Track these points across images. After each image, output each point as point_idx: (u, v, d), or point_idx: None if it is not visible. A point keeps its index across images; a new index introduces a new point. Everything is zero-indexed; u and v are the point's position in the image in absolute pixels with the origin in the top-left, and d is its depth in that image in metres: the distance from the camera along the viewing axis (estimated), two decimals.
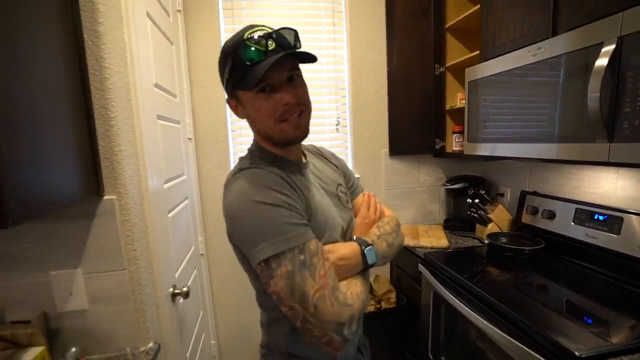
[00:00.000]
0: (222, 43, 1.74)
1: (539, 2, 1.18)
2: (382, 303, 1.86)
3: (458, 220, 1.96)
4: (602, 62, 0.90)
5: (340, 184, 0.85)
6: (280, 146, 0.73)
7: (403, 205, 2.09)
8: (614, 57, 0.89)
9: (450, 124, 1.91)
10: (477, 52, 1.54)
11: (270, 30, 0.64)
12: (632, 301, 1.07)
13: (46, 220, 0.85)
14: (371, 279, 2.02)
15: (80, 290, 0.88)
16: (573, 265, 1.34)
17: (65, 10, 0.78)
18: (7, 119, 0.56)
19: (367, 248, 0.72)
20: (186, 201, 1.53)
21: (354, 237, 0.78)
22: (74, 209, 0.84)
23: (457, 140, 1.84)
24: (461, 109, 1.64)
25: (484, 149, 1.44)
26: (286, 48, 0.65)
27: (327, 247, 0.68)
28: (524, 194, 1.65)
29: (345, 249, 0.70)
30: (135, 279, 0.92)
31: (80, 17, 0.82)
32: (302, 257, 0.60)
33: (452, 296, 1.29)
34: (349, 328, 0.61)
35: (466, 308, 1.20)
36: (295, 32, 0.67)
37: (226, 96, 0.75)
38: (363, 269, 0.72)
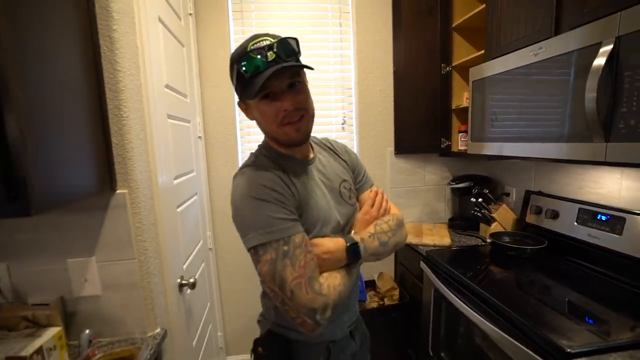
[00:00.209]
0: (232, 45, 1.83)
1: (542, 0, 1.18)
2: (385, 300, 1.88)
3: (463, 219, 1.96)
4: (599, 61, 0.91)
5: (344, 180, 0.90)
6: (287, 146, 0.80)
7: (408, 204, 2.10)
8: (612, 57, 0.89)
9: (456, 123, 1.91)
10: (483, 51, 1.54)
11: (272, 41, 0.70)
12: (631, 301, 1.07)
13: (65, 212, 0.93)
14: (375, 276, 2.05)
15: (94, 277, 0.95)
16: (574, 265, 1.34)
17: (83, 18, 0.85)
18: (32, 119, 0.62)
19: (352, 245, 0.76)
20: (195, 197, 1.59)
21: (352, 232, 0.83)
22: (89, 201, 0.91)
23: (462, 139, 1.85)
24: (467, 108, 1.64)
25: (487, 148, 1.45)
26: (287, 56, 0.70)
27: (315, 241, 0.75)
28: (528, 194, 1.65)
29: (330, 244, 0.76)
30: (145, 268, 0.98)
31: (96, 25, 0.89)
32: (285, 248, 0.68)
33: (451, 294, 1.31)
34: (322, 314, 0.68)
35: (465, 305, 1.21)
36: (296, 41, 0.73)
37: (237, 99, 0.81)
38: (347, 263, 0.77)
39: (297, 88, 0.74)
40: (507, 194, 1.86)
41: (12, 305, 0.92)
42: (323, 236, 0.78)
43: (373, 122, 2.00)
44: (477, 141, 1.52)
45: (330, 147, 0.96)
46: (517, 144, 1.27)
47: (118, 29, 0.92)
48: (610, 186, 1.30)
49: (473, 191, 1.80)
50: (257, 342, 0.88)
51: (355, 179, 0.96)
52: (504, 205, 1.73)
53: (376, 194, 0.91)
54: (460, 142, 1.86)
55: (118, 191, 0.94)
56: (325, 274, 0.73)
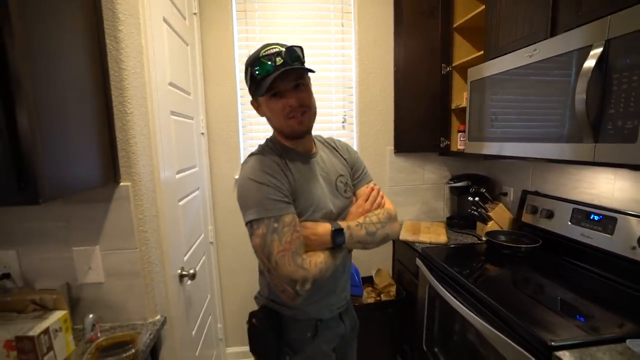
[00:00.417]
0: (235, 44, 1.87)
1: (540, 1, 1.19)
2: (382, 296, 1.92)
3: (461, 218, 1.99)
4: (590, 64, 0.93)
5: (341, 175, 1.00)
6: (291, 139, 0.92)
7: (407, 202, 2.13)
8: (601, 60, 0.91)
9: (455, 123, 1.93)
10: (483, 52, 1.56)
11: (280, 49, 0.82)
12: (620, 299, 1.09)
13: (70, 203, 0.98)
14: (373, 272, 2.08)
15: (97, 265, 1.00)
16: (568, 264, 1.36)
17: (90, 19, 0.90)
18: (41, 115, 0.67)
19: (336, 230, 0.86)
20: (197, 192, 1.64)
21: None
22: (93, 193, 0.96)
23: (461, 139, 1.86)
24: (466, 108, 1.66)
25: (483, 148, 1.47)
26: (293, 61, 0.82)
27: (305, 223, 0.86)
28: (525, 194, 1.67)
29: (318, 228, 0.86)
30: (146, 258, 1.03)
31: (103, 25, 0.94)
32: (275, 225, 0.79)
33: (445, 290, 1.34)
34: (301, 286, 0.78)
35: (457, 301, 1.24)
36: (301, 49, 0.86)
37: (250, 99, 0.94)
38: (332, 247, 0.86)
39: (301, 88, 0.86)
40: (505, 194, 1.87)
41: (21, 290, 0.97)
42: (314, 220, 0.87)
43: (373, 120, 2.03)
44: (474, 141, 1.54)
45: (333, 146, 1.07)
46: (512, 144, 1.29)
47: (123, 29, 0.97)
48: (603, 187, 1.31)
49: (470, 190, 1.82)
50: (252, 315, 0.99)
51: (354, 175, 1.05)
52: (501, 205, 1.75)
53: (372, 189, 1.00)
54: (459, 142, 1.88)
55: (121, 184, 0.99)
56: (310, 252, 0.83)
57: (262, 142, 0.96)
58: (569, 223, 1.38)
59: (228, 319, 2.07)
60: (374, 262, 2.15)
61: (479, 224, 1.82)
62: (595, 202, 1.33)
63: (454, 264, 1.42)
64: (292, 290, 0.78)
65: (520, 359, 0.93)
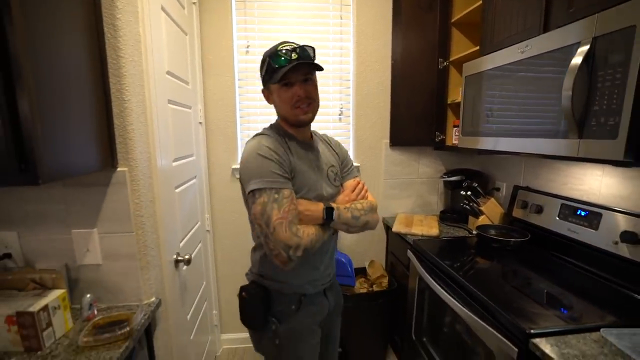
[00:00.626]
0: (234, 34, 1.88)
1: None
2: (374, 286, 1.96)
3: (454, 212, 2.02)
4: (577, 61, 0.95)
5: (332, 166, 1.11)
6: (294, 126, 1.02)
7: (402, 195, 2.16)
8: (588, 57, 0.93)
9: (451, 118, 1.95)
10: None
11: (296, 46, 0.94)
12: (599, 292, 1.13)
13: (70, 186, 1.01)
14: (366, 263, 2.12)
15: (95, 247, 1.04)
16: (554, 258, 1.39)
17: (89, 8, 0.92)
18: (41, 100, 0.70)
19: (328, 208, 0.97)
20: (194, 180, 1.67)
21: None
22: (92, 177, 0.99)
23: (456, 133, 1.88)
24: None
25: (475, 143, 1.49)
26: (305, 59, 0.94)
27: (300, 200, 0.95)
28: (516, 189, 1.69)
29: (312, 205, 0.97)
30: (142, 241, 1.06)
31: (101, 14, 0.96)
32: (276, 195, 0.88)
33: (433, 281, 1.37)
34: (294, 252, 0.88)
35: (444, 292, 1.28)
36: (313, 49, 0.98)
37: (262, 88, 1.06)
38: (323, 223, 0.96)
39: (309, 82, 0.99)
40: (498, 189, 1.90)
41: (21, 269, 1.01)
42: (308, 199, 0.97)
43: (369, 114, 2.05)
44: (467, 135, 1.56)
45: (327, 141, 1.19)
46: (503, 139, 1.31)
47: (122, 17, 0.99)
48: (591, 183, 1.34)
49: (463, 185, 1.85)
50: (242, 289, 1.07)
51: (343, 169, 1.16)
52: (493, 200, 1.78)
53: (358, 182, 1.12)
54: (454, 137, 1.90)
55: (119, 169, 1.02)
56: (303, 225, 0.92)
57: (260, 131, 1.05)
58: (557, 218, 1.41)
59: (224, 306, 2.12)
60: (367, 254, 2.19)
61: (471, 218, 1.85)
62: (584, 198, 1.36)
63: (443, 256, 1.45)
64: (285, 255, 0.88)
65: (501, 347, 0.97)
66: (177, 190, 1.38)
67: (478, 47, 1.60)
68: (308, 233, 0.91)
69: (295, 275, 1.02)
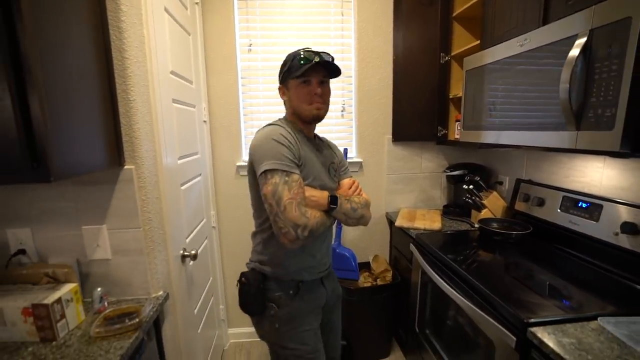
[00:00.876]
0: (237, 33, 1.90)
1: None
2: (378, 280, 1.98)
3: (457, 206, 2.03)
4: (574, 53, 0.95)
5: (333, 162, 1.19)
6: (305, 122, 1.10)
7: (405, 190, 2.18)
8: (585, 49, 0.94)
9: (453, 112, 1.95)
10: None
11: (319, 51, 1.04)
12: (599, 282, 1.14)
13: (80, 184, 1.05)
14: (370, 258, 2.14)
15: (105, 242, 1.08)
16: (555, 250, 1.40)
17: (95, 10, 0.95)
18: (51, 100, 0.73)
19: (332, 196, 1.05)
20: (199, 177, 1.70)
21: None
22: (100, 175, 1.03)
23: (459, 128, 1.89)
24: None
25: (476, 137, 1.50)
26: (326, 63, 1.03)
27: (307, 187, 1.02)
28: (519, 182, 1.70)
29: (317, 192, 1.04)
30: (149, 237, 1.10)
31: (107, 16, 0.99)
32: (287, 178, 0.95)
33: (435, 274, 1.39)
34: (302, 231, 0.95)
35: (446, 284, 1.30)
36: (332, 57, 1.07)
37: (279, 85, 1.14)
38: (327, 209, 1.03)
39: (325, 85, 1.08)
40: (500, 183, 1.91)
41: (35, 264, 1.05)
42: (313, 187, 1.04)
43: (371, 109, 2.06)
44: (469, 130, 1.57)
45: (327, 143, 1.27)
46: (503, 132, 1.32)
47: (126, 19, 1.02)
48: (592, 175, 1.34)
49: (466, 179, 1.86)
50: (242, 275, 1.13)
51: (340, 168, 1.24)
52: (495, 193, 1.78)
53: (353, 181, 1.20)
54: (456, 131, 1.91)
55: (126, 167, 1.05)
56: (310, 209, 0.99)
57: (271, 122, 1.12)
58: (559, 210, 1.42)
59: (230, 301, 2.16)
60: (371, 249, 2.21)
61: (473, 212, 1.86)
62: (585, 190, 1.36)
63: (446, 249, 1.47)
64: (294, 233, 0.94)
65: (501, 336, 0.99)
66: (182, 188, 1.41)
67: (479, 42, 1.61)
68: (315, 215, 0.98)
69: (293, 261, 1.08)
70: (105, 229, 1.07)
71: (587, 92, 0.95)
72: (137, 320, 0.94)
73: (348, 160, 2.00)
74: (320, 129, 1.99)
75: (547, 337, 0.85)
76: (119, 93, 1.03)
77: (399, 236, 1.97)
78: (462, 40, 1.86)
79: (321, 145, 1.19)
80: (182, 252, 1.34)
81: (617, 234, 1.15)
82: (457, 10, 1.82)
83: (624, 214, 1.15)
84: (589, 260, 1.27)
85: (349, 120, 2.09)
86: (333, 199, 1.04)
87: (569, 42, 0.99)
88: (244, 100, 1.99)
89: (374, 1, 1.97)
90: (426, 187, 2.19)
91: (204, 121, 1.86)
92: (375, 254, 2.17)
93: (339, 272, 1.67)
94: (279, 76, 1.11)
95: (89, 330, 0.92)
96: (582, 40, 0.94)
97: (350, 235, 2.18)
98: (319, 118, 1.09)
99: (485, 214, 1.75)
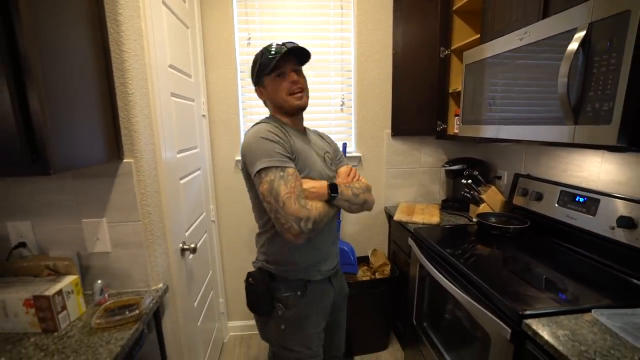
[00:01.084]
0: (235, 26, 1.89)
1: None
2: (377, 274, 2.00)
3: (456, 200, 2.03)
4: (573, 47, 0.95)
5: (327, 152, 1.18)
6: (289, 115, 1.09)
7: (404, 185, 2.18)
8: (584, 43, 0.94)
9: (453, 107, 1.94)
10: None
11: (286, 41, 1.03)
12: (595, 276, 1.14)
13: (79, 178, 1.05)
14: (369, 252, 2.16)
15: (105, 235, 1.09)
16: (553, 244, 1.41)
17: (92, 4, 0.94)
18: (49, 94, 0.73)
19: (332, 184, 1.03)
20: (198, 171, 1.71)
21: None
22: (99, 169, 1.04)
23: (458, 122, 1.89)
24: None
25: (475, 131, 1.50)
26: (295, 49, 1.02)
27: (305, 179, 1.01)
28: (517, 177, 1.70)
29: (316, 183, 1.02)
30: (149, 230, 1.11)
31: (104, 9, 0.98)
32: (282, 173, 0.93)
33: (432, 267, 1.40)
34: (305, 224, 0.93)
35: (443, 278, 1.31)
36: (303, 48, 1.04)
37: (254, 87, 1.13)
38: (328, 199, 1.01)
39: (300, 74, 1.07)
40: (499, 177, 1.91)
41: (36, 257, 1.06)
42: (311, 178, 1.03)
43: (371, 104, 2.06)
44: (468, 124, 1.57)
45: (320, 134, 1.26)
46: (502, 126, 1.32)
47: (123, 12, 1.01)
48: (590, 169, 1.35)
49: (464, 173, 1.86)
50: (249, 275, 1.12)
51: (335, 158, 1.23)
52: (493, 188, 1.79)
53: (350, 168, 1.18)
54: (455, 126, 1.91)
55: (125, 160, 1.06)
56: (310, 201, 0.97)
57: (258, 122, 1.09)
58: (556, 205, 1.42)
59: (230, 294, 2.18)
60: (370, 243, 2.23)
61: (472, 206, 1.87)
62: (583, 185, 1.37)
63: (443, 243, 1.48)
64: (297, 227, 0.92)
65: (496, 328, 1.00)
66: (181, 182, 1.42)
67: (479, 35, 1.60)
68: (316, 207, 0.96)
69: (298, 256, 1.06)
70: (105, 222, 1.08)
71: (585, 86, 0.95)
72: (137, 312, 0.95)
73: (347, 154, 2.00)
74: (320, 123, 2.03)
75: (541, 328, 0.86)
76: (118, 87, 1.03)
77: (398, 230, 1.98)
78: (462, 34, 1.85)
79: (313, 136, 1.19)
80: (181, 245, 1.35)
81: (613, 228, 1.16)
82: (458, 4, 1.80)
83: (621, 208, 1.15)
84: (586, 254, 1.28)
85: (348, 114, 2.09)
86: (333, 187, 1.02)
87: (568, 35, 0.98)
88: (243, 95, 1.98)
89: None
90: (425, 181, 2.20)
91: (203, 115, 1.86)
92: (373, 248, 2.18)
93: None
94: (252, 78, 1.10)
95: (90, 322, 0.93)
96: (581, 34, 0.94)
97: (349, 229, 2.19)
98: (303, 107, 1.08)
99: (483, 208, 1.76)
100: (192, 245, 1.38)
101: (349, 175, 1.14)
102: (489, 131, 1.41)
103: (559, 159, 1.50)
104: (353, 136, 2.11)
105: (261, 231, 1.12)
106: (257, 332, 1.19)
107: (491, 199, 1.76)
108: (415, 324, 1.69)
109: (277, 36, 1.94)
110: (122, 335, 0.88)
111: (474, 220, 1.68)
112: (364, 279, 1.96)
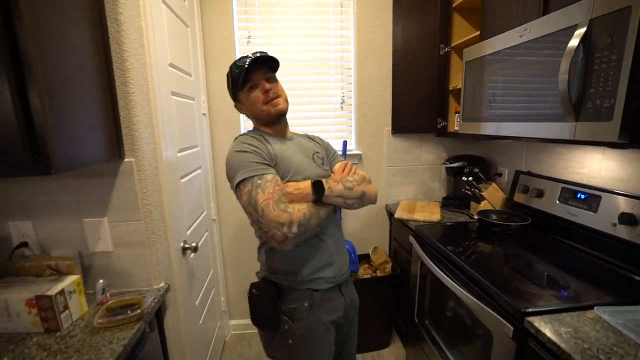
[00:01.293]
0: (235, 25, 1.89)
1: None
2: (378, 272, 2.00)
3: (456, 198, 2.03)
4: (573, 43, 0.95)
5: (317, 152, 1.13)
6: (269, 124, 1.08)
7: (404, 182, 2.18)
8: (585, 39, 0.93)
9: (453, 104, 1.94)
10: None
11: (252, 53, 1.02)
12: (596, 273, 1.14)
13: (81, 177, 1.05)
14: (370, 250, 2.16)
15: (106, 235, 1.09)
16: (554, 241, 1.41)
17: (92, 3, 0.94)
18: (50, 94, 0.73)
19: (316, 182, 0.97)
20: (199, 170, 1.71)
21: None
22: (101, 168, 1.04)
23: (458, 120, 1.89)
24: None
25: (475, 128, 1.50)
26: (262, 58, 1.02)
27: (289, 183, 0.97)
28: (518, 174, 1.70)
29: (300, 184, 0.98)
30: (150, 229, 1.11)
31: (104, 8, 0.98)
32: (259, 181, 0.90)
33: (434, 265, 1.40)
34: (288, 228, 0.88)
35: (445, 275, 1.31)
36: (271, 56, 1.04)
37: (234, 104, 1.12)
38: (315, 198, 0.96)
39: (272, 80, 1.05)
40: (500, 174, 1.91)
41: (38, 257, 1.06)
42: (296, 181, 0.99)
43: (371, 101, 2.06)
44: (468, 121, 1.57)
45: (309, 136, 1.23)
46: (502, 123, 1.32)
47: (124, 11, 1.01)
48: (592, 166, 1.34)
49: (465, 170, 1.86)
50: (252, 286, 1.06)
51: (328, 155, 1.19)
52: (494, 185, 1.79)
53: (346, 164, 1.14)
54: (455, 123, 1.91)
55: (126, 159, 1.06)
56: (292, 204, 0.92)
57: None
58: (557, 202, 1.42)
59: (231, 293, 2.18)
60: (371, 241, 2.23)
61: (473, 204, 1.87)
62: (584, 182, 1.37)
63: (445, 241, 1.48)
64: (280, 233, 0.88)
65: (499, 326, 1.00)
66: (182, 180, 1.41)
67: (479, 32, 1.60)
68: (299, 209, 0.91)
69: (302, 264, 1.01)
70: (106, 221, 1.08)
71: (586, 82, 0.95)
72: (139, 311, 0.95)
73: (347, 152, 2.00)
74: (320, 121, 2.03)
75: (544, 326, 0.86)
76: (118, 86, 1.03)
77: (399, 228, 1.98)
78: (462, 31, 1.85)
79: (299, 139, 1.14)
80: (182, 244, 1.36)
81: (615, 225, 1.16)
82: (457, 1, 1.80)
83: (622, 204, 1.15)
84: (587, 251, 1.28)
85: (349, 112, 2.08)
86: (317, 185, 0.95)
87: (569, 32, 0.98)
88: None
89: None
90: (426, 179, 2.19)
91: (204, 114, 1.85)
92: (374, 245, 2.18)
93: None
94: (230, 96, 1.10)
95: (92, 321, 0.93)
96: (581, 30, 0.94)
97: (350, 227, 2.19)
98: (281, 112, 1.05)
99: (484, 205, 1.75)
100: (194, 244, 1.38)
101: (343, 171, 1.10)
102: (489, 128, 1.40)
103: (559, 156, 1.50)
104: (353, 134, 2.10)
105: (260, 244, 1.10)
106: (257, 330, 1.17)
107: (492, 196, 1.76)
108: (416, 321, 1.70)
109: (277, 34, 1.93)
110: (125, 335, 0.89)
111: (475, 217, 1.69)
112: (365, 276, 1.96)
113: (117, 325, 0.92)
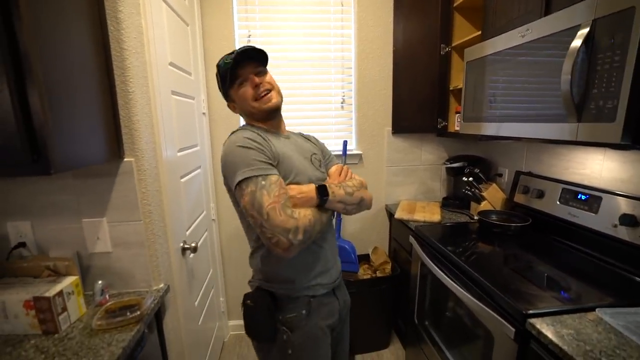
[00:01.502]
0: (235, 23, 1.87)
1: None
2: (378, 272, 1.99)
3: (457, 198, 2.03)
4: (576, 44, 0.94)
5: (314, 153, 1.09)
6: (263, 120, 1.02)
7: (405, 182, 2.18)
8: (588, 40, 0.93)
9: (454, 104, 1.94)
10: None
11: (238, 48, 0.97)
12: (597, 274, 1.14)
13: (80, 177, 1.04)
14: (370, 250, 2.15)
15: (105, 235, 1.08)
16: (554, 242, 1.41)
17: (92, 1, 0.93)
18: (50, 94, 0.72)
19: (320, 186, 0.93)
20: (199, 170, 1.70)
21: None
22: (100, 168, 1.03)
23: (459, 120, 1.88)
24: None
25: (476, 129, 1.50)
26: (248, 52, 0.97)
27: (291, 185, 0.92)
28: (518, 174, 1.70)
29: (304, 187, 0.93)
30: (150, 230, 1.10)
31: (104, 7, 0.97)
32: (263, 182, 0.84)
33: (434, 265, 1.40)
34: (294, 235, 0.83)
35: (445, 276, 1.30)
36: (259, 49, 0.99)
37: (227, 103, 1.08)
38: (318, 203, 0.92)
39: (261, 74, 1.00)
40: (500, 175, 1.91)
41: (36, 257, 1.05)
42: (297, 183, 0.94)
43: (372, 101, 2.05)
44: (469, 121, 1.56)
45: (305, 136, 1.18)
46: (503, 124, 1.32)
47: (124, 10, 1.00)
48: (593, 167, 1.34)
49: (465, 171, 1.86)
50: (246, 296, 1.01)
51: (324, 157, 1.16)
52: (494, 185, 1.79)
53: (342, 167, 1.10)
54: (456, 123, 1.90)
55: (125, 159, 1.05)
56: (298, 209, 0.88)
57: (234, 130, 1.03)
58: (558, 202, 1.42)
59: (230, 293, 2.17)
60: (371, 241, 2.22)
61: (473, 204, 1.86)
62: (585, 182, 1.37)
63: (445, 241, 1.47)
64: (285, 240, 0.82)
65: (500, 327, 1.00)
66: (182, 180, 1.41)
67: (480, 32, 1.59)
68: (305, 214, 0.86)
69: (300, 271, 0.97)
70: (105, 221, 1.07)
71: (588, 83, 0.94)
72: (138, 312, 0.94)
73: (348, 152, 2.00)
74: (320, 121, 2.02)
75: (545, 328, 0.85)
76: (118, 85, 1.02)
77: (399, 228, 1.98)
78: (463, 30, 1.84)
79: (296, 138, 1.10)
80: (182, 244, 1.35)
81: (615, 226, 1.16)
82: (459, 0, 1.80)
83: (623, 206, 1.15)
84: (588, 252, 1.28)
85: (349, 112, 2.08)
86: (322, 189, 0.92)
87: (572, 32, 0.98)
88: None
89: None
90: (426, 179, 2.19)
91: (203, 113, 1.84)
92: (374, 246, 2.18)
93: None
94: (222, 95, 1.05)
95: (91, 323, 0.92)
96: (584, 31, 0.93)
97: (350, 227, 2.19)
98: (275, 107, 1.00)
99: (484, 206, 1.75)
100: (193, 245, 1.37)
101: (340, 175, 1.06)
102: (490, 129, 1.40)
103: (560, 157, 1.50)
104: (354, 134, 2.10)
105: (253, 249, 1.03)
106: None
107: (492, 197, 1.76)
108: (416, 322, 1.69)
109: (277, 33, 1.92)
110: (124, 337, 0.88)
111: (475, 218, 1.68)
112: (365, 277, 1.96)
113: (116, 327, 0.91)
